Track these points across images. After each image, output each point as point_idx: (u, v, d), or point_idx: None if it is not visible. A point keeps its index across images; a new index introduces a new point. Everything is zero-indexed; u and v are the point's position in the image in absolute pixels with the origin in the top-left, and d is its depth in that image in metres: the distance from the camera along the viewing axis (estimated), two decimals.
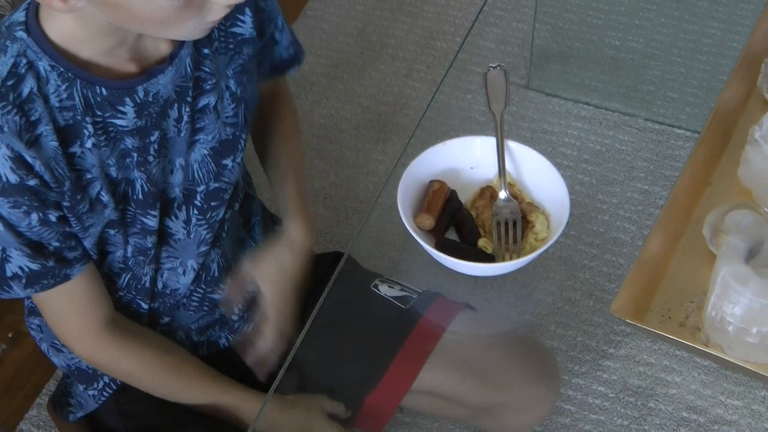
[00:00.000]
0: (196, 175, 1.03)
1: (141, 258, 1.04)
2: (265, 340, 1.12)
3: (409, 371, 1.15)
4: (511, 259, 1.06)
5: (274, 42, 1.11)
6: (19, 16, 0.88)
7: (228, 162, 1.04)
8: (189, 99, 0.98)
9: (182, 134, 0.99)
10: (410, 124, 1.97)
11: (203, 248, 1.08)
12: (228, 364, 1.16)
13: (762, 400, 1.52)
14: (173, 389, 1.08)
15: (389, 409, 1.17)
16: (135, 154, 0.95)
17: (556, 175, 1.09)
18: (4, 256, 0.93)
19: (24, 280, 0.94)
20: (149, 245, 1.03)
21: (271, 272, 1.11)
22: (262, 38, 1.06)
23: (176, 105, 0.97)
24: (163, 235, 1.04)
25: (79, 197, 0.93)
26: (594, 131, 1.90)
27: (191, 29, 0.85)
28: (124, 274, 1.05)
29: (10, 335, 1.49)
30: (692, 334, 1.03)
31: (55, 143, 0.89)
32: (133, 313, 1.09)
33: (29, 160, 0.87)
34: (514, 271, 1.06)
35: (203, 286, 1.12)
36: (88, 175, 0.93)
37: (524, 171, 1.12)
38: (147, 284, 1.07)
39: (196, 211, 1.05)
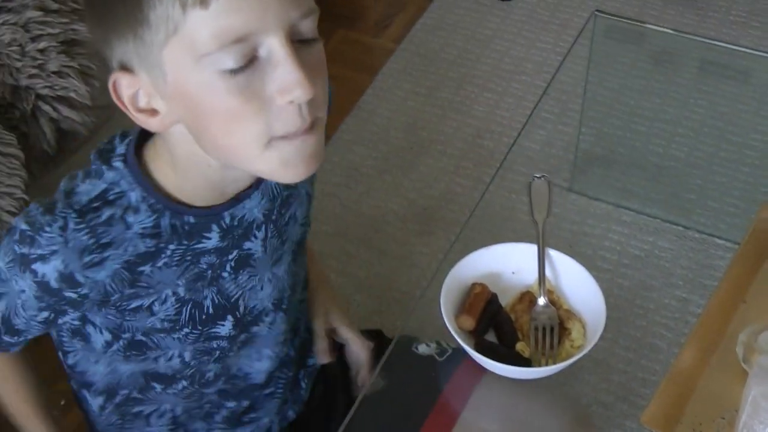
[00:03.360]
0: (285, 283, 1.07)
1: (205, 358, 1.07)
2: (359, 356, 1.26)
3: (446, 422, 1.16)
4: (546, 364, 1.10)
5: None
6: (120, 148, 0.94)
7: (296, 257, 1.09)
8: (274, 217, 1.01)
9: (268, 251, 1.02)
10: (455, 219, 2.02)
11: (282, 348, 1.13)
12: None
13: None
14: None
15: None
16: (209, 272, 0.99)
17: (594, 285, 1.13)
18: None
19: None
20: (214, 346, 1.06)
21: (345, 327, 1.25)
22: None
23: (264, 226, 1.00)
24: (250, 341, 1.08)
25: (128, 300, 0.96)
26: (634, 236, 1.93)
27: (255, 138, 0.83)
28: (186, 369, 1.08)
29: (62, 402, 1.53)
30: None
31: (117, 266, 0.92)
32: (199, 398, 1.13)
33: (80, 279, 0.91)
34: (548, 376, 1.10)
35: (286, 371, 1.16)
36: (150, 290, 0.97)
37: (563, 279, 1.16)
38: (212, 375, 1.10)
39: (282, 313, 1.09)
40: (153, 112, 0.86)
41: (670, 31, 2.08)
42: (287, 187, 1.03)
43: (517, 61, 2.41)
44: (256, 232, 1.00)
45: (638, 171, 2.04)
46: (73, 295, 0.92)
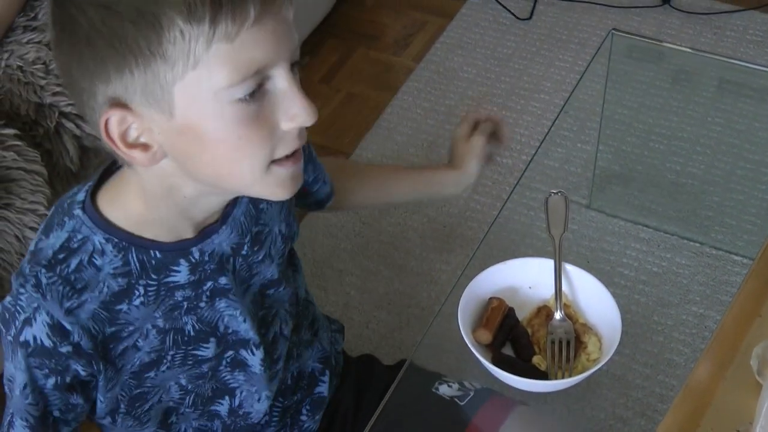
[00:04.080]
0: (256, 317, 1.07)
1: (200, 381, 1.07)
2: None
3: None
4: (563, 377, 1.11)
5: (310, 192, 1.20)
6: (80, 195, 0.95)
7: (271, 291, 1.09)
8: (245, 252, 1.02)
9: (237, 283, 1.03)
10: (473, 236, 2.04)
11: (275, 384, 1.13)
12: None
13: None
14: None
15: None
16: (185, 303, 0.99)
17: (610, 299, 1.14)
18: (9, 421, 0.97)
19: None
20: (205, 369, 1.06)
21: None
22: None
23: (232, 259, 1.01)
24: (240, 364, 1.08)
25: (112, 346, 0.97)
26: (652, 253, 1.95)
27: (260, 163, 0.87)
28: (187, 397, 1.08)
29: None
30: None
31: (95, 306, 0.94)
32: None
33: (67, 326, 0.92)
34: (566, 389, 1.12)
35: (281, 399, 1.17)
36: (130, 328, 0.97)
37: (579, 293, 1.18)
38: (211, 392, 1.10)
39: (265, 349, 1.09)
40: (144, 147, 0.87)
41: (688, 50, 2.09)
42: (257, 223, 1.04)
43: (536, 80, 2.43)
44: (228, 266, 1.01)
45: (656, 188, 2.06)
46: (68, 348, 0.93)
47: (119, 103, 0.84)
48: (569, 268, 1.18)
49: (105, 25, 0.81)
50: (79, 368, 0.95)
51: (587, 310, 1.17)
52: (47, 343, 0.92)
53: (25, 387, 0.95)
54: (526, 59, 2.49)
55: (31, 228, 1.52)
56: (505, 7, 2.62)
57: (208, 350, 1.05)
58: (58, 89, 1.64)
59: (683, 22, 2.54)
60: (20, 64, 1.66)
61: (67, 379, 0.96)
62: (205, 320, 1.02)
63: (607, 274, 1.87)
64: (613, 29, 1.75)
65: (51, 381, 0.95)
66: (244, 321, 1.05)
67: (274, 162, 0.89)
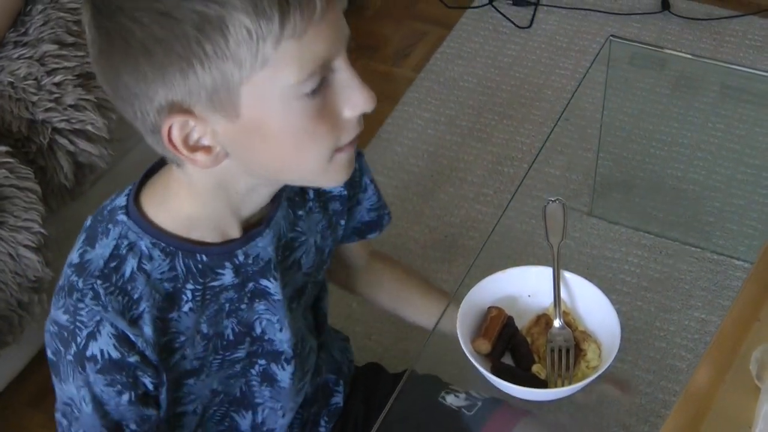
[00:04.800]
0: (298, 328, 1.08)
1: (231, 381, 1.07)
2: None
3: None
4: (563, 385, 1.11)
5: (357, 203, 1.16)
6: (121, 200, 0.94)
7: (294, 305, 1.08)
8: (279, 258, 1.02)
9: (286, 295, 1.03)
10: (476, 246, 2.04)
11: (301, 396, 1.13)
12: None
13: None
14: None
15: None
16: (227, 306, 0.99)
17: (609, 307, 1.14)
18: None
19: None
20: (238, 369, 1.06)
21: None
22: (349, 199, 1.12)
23: (275, 263, 1.00)
24: (269, 379, 1.08)
25: (165, 356, 0.96)
26: (653, 259, 1.95)
27: (325, 153, 0.88)
28: (216, 398, 1.08)
29: None
30: None
31: (150, 315, 0.93)
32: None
33: (132, 338, 0.91)
34: (566, 397, 1.12)
35: (301, 412, 1.17)
36: (182, 338, 0.97)
37: (578, 301, 1.18)
38: (239, 393, 1.10)
39: (299, 361, 1.09)
40: (207, 149, 0.86)
41: (688, 56, 2.10)
42: (293, 229, 1.04)
43: (537, 88, 2.43)
44: (275, 273, 1.01)
45: (657, 195, 2.06)
46: (136, 357, 0.92)
47: (181, 108, 0.83)
48: (568, 275, 1.18)
49: (166, 32, 0.80)
50: (147, 381, 0.95)
51: (586, 318, 1.17)
52: (115, 354, 0.91)
53: (96, 407, 0.94)
54: (527, 68, 2.49)
55: (26, 246, 1.51)
56: (504, 16, 2.63)
57: (242, 351, 1.04)
58: (50, 105, 1.62)
59: (683, 28, 2.55)
60: (11, 80, 1.64)
61: (139, 393, 0.95)
62: (243, 321, 1.02)
63: (609, 281, 1.88)
64: (612, 36, 1.76)
65: (125, 397, 0.94)
66: (281, 330, 1.04)
67: (337, 150, 0.89)
